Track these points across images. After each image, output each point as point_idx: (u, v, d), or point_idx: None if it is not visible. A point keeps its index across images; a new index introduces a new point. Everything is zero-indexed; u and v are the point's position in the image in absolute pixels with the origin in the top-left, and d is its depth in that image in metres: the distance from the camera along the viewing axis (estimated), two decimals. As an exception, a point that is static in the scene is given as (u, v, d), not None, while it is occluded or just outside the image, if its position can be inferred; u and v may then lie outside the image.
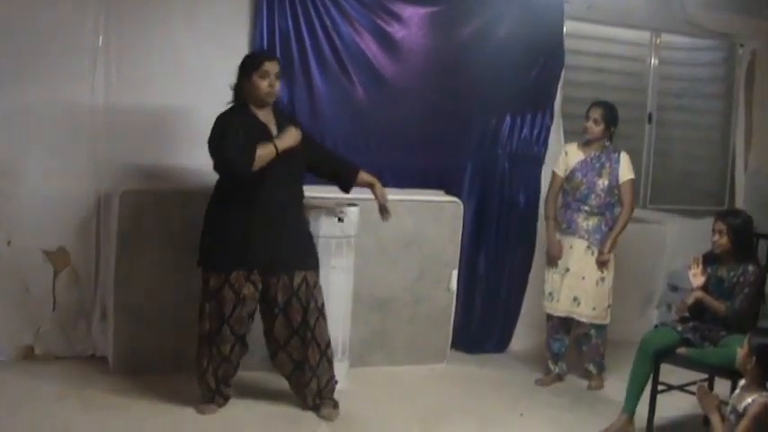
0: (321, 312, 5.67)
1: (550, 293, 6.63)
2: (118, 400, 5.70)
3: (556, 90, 7.50)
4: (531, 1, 7.32)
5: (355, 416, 5.79)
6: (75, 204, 6.35)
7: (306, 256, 5.65)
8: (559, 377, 6.79)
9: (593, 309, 6.52)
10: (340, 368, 6.16)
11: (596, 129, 6.50)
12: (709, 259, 5.81)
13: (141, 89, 6.38)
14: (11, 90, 6.10)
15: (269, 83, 5.43)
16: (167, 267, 6.07)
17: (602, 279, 6.51)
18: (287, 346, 5.65)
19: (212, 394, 5.66)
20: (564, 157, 6.67)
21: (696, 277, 5.74)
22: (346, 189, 5.93)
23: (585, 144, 6.61)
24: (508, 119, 7.32)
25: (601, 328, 6.64)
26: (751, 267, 5.66)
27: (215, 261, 5.50)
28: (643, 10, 7.98)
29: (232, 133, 5.27)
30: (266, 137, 5.39)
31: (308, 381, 5.69)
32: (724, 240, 5.68)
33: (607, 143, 6.59)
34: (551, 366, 6.80)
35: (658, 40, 8.28)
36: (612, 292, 6.61)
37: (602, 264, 6.48)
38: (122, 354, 6.15)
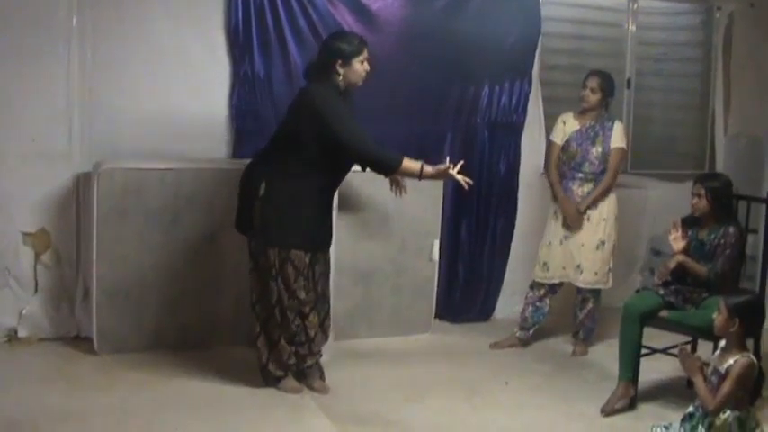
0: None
1: (545, 263, 6.65)
2: (103, 379, 5.70)
3: (533, 57, 7.48)
4: (507, -32, 7.28)
5: (341, 389, 5.80)
6: (54, 186, 6.33)
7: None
8: (520, 341, 6.83)
9: (595, 274, 6.56)
10: (324, 341, 6.19)
11: (593, 98, 6.54)
12: (690, 222, 5.82)
13: (117, 69, 6.34)
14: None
15: (365, 68, 5.49)
16: (148, 246, 6.06)
17: (603, 243, 6.55)
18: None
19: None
20: (561, 126, 6.69)
21: (677, 241, 5.75)
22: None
23: (581, 113, 6.63)
24: (486, 87, 7.30)
25: (597, 294, 6.68)
26: (732, 229, 5.66)
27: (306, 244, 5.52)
28: (619, -25, 7.99)
29: (359, 128, 5.39)
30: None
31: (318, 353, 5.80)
32: (703, 204, 5.69)
33: (603, 112, 6.61)
34: (516, 330, 6.84)
35: (635, 6, 8.25)
36: (613, 255, 6.67)
37: (571, 216, 6.53)
38: (106, 333, 6.13)
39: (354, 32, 5.87)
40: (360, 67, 5.45)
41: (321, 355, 5.82)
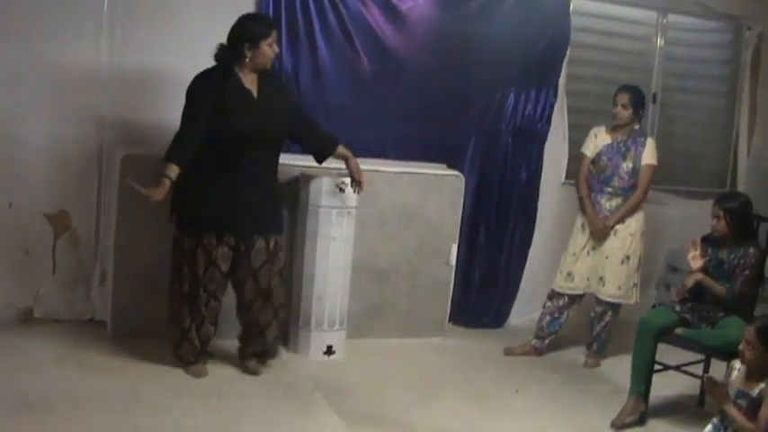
0: (281, 276, 5.79)
1: (569, 273, 6.65)
2: (116, 363, 5.72)
3: (561, 67, 7.49)
4: (538, -23, 7.29)
5: (351, 387, 5.81)
6: (76, 167, 6.35)
7: (279, 219, 5.79)
8: (535, 350, 6.82)
9: (619, 288, 6.55)
10: (337, 338, 6.22)
11: (624, 114, 6.53)
12: (710, 241, 5.80)
13: (145, 51, 6.35)
14: (14, 50, 6.08)
15: (274, 50, 5.47)
16: (167, 232, 6.02)
17: (628, 258, 6.54)
18: (251, 307, 5.73)
19: (197, 354, 5.72)
20: (593, 139, 6.69)
21: (695, 260, 5.73)
22: (320, 160, 5.94)
23: (614, 128, 6.62)
24: (512, 94, 7.30)
25: (617, 308, 6.66)
26: (751, 250, 5.64)
27: (191, 224, 5.57)
28: (650, -11, 7.97)
29: (200, 112, 5.37)
30: (248, 102, 5.44)
31: (255, 338, 5.81)
32: (722, 225, 5.67)
33: (635, 127, 6.62)
34: (531, 338, 6.84)
35: (665, 20, 8.22)
36: (640, 271, 6.66)
37: (598, 231, 6.52)
38: (121, 318, 6.17)
39: (265, 15, 5.86)
40: (268, 49, 5.43)
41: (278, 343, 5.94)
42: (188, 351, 5.70)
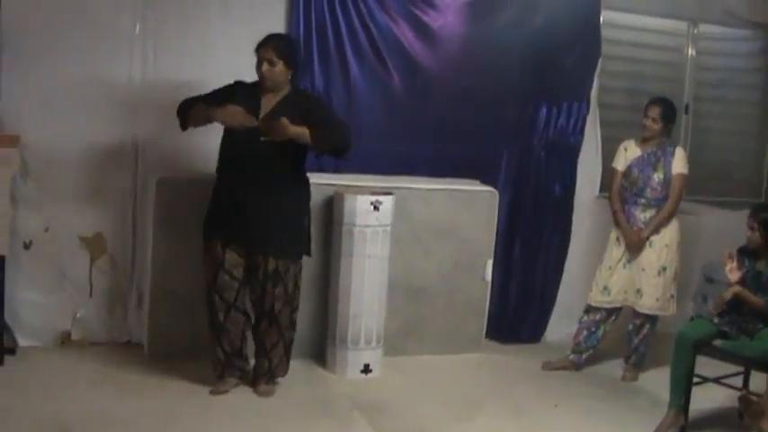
0: (289, 299, 5.67)
1: (606, 287, 6.62)
2: (153, 384, 5.74)
3: (592, 80, 7.48)
4: (568, -10, 7.28)
5: (388, 404, 5.80)
6: (112, 190, 6.40)
7: (286, 244, 5.61)
8: (573, 364, 6.79)
9: (657, 300, 6.51)
10: (374, 356, 6.22)
11: (655, 127, 6.52)
12: (746, 253, 5.76)
13: (177, 78, 6.34)
14: (47, 73, 6.13)
15: (263, 68, 5.48)
16: (202, 255, 6.09)
17: (664, 269, 6.51)
18: (258, 326, 5.74)
19: (222, 367, 5.73)
20: (623, 152, 6.68)
21: (732, 272, 5.68)
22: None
23: (644, 140, 6.61)
24: (544, 108, 7.30)
25: (655, 320, 6.63)
26: (789, 261, 5.62)
27: (203, 230, 5.67)
28: (680, 0, 7.91)
29: (212, 94, 5.53)
30: (250, 112, 5.45)
31: (260, 359, 5.78)
32: (756, 236, 5.64)
33: (664, 138, 6.59)
34: (569, 353, 6.81)
35: (696, 30, 8.20)
36: (676, 282, 6.63)
37: (634, 244, 6.50)
38: (157, 339, 6.19)
39: (266, 37, 5.66)
40: (258, 69, 5.51)
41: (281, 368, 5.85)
42: (214, 363, 5.75)
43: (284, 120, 5.27)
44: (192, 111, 5.50)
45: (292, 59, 5.56)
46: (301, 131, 5.32)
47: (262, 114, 5.48)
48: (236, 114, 5.37)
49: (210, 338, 5.71)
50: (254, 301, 5.69)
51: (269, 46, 5.49)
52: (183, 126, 5.60)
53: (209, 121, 5.45)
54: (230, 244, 5.55)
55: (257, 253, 5.55)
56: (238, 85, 5.61)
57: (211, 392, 5.65)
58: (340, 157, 5.73)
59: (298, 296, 5.74)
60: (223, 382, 5.72)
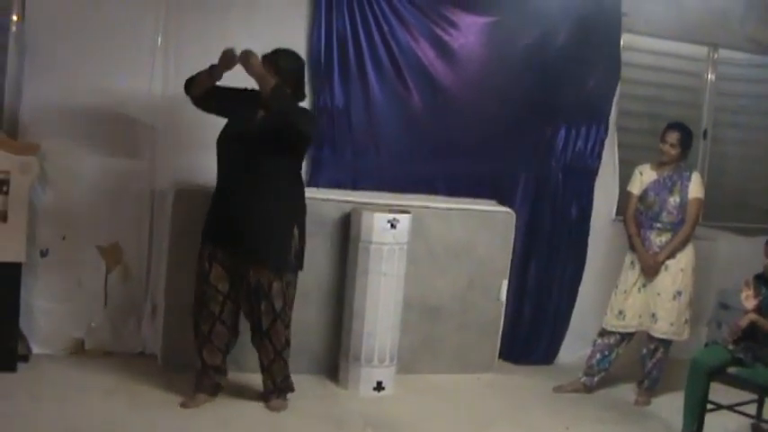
0: (278, 316, 5.57)
1: (621, 311, 6.60)
2: (166, 396, 5.73)
3: (611, 103, 7.48)
4: (588, 13, 7.29)
5: (401, 423, 5.80)
6: (129, 201, 6.42)
7: (265, 257, 5.51)
8: (585, 387, 6.77)
9: (671, 324, 6.50)
10: (387, 374, 6.20)
11: (672, 152, 6.52)
12: (763, 280, 5.75)
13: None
14: (68, 83, 6.18)
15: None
16: (219, 267, 6.12)
17: (679, 293, 6.49)
18: (253, 341, 5.72)
19: (201, 377, 5.71)
20: (639, 176, 6.68)
21: (749, 300, 5.67)
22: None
23: (660, 164, 6.61)
24: (563, 130, 7.31)
25: (668, 344, 6.61)
26: (806, 290, 5.60)
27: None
28: (701, 25, 7.89)
29: (227, 88, 5.59)
30: (243, 114, 5.50)
31: (264, 376, 5.74)
32: (772, 264, 5.65)
33: (681, 163, 6.59)
34: (581, 375, 6.80)
35: (716, 55, 8.19)
36: (691, 306, 6.62)
37: (649, 268, 6.49)
38: (171, 350, 6.20)
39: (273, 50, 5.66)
40: None
41: (287, 382, 5.81)
42: (195, 374, 5.75)
43: (255, 55, 5.34)
44: (198, 75, 5.54)
45: (291, 77, 5.54)
46: (265, 74, 5.34)
47: (255, 114, 5.51)
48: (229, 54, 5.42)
49: (196, 346, 5.70)
50: (245, 316, 5.67)
51: (270, 59, 5.49)
52: (187, 89, 5.61)
53: (211, 77, 5.47)
54: (217, 257, 5.54)
55: (240, 265, 5.52)
56: (246, 90, 5.60)
57: (180, 405, 5.63)
58: (288, 133, 5.39)
59: (289, 312, 5.66)
60: (194, 397, 5.68)
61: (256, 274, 5.48)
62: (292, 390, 5.82)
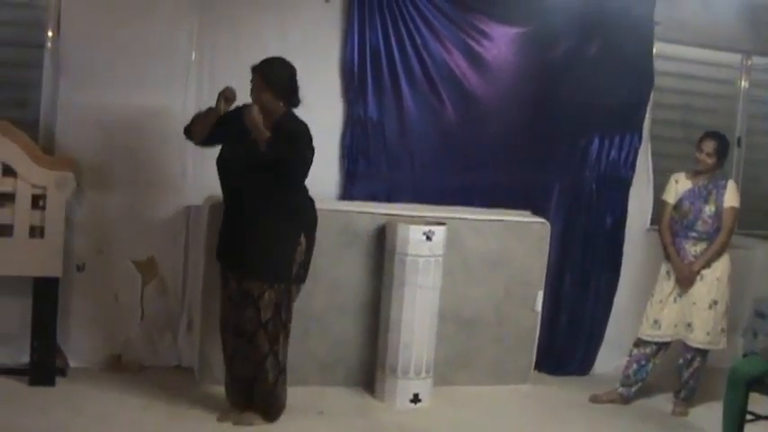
0: (263, 327, 5.42)
1: (656, 321, 6.57)
2: (203, 410, 5.74)
3: (645, 112, 7.46)
4: (621, 22, 7.27)
5: (439, 434, 5.79)
6: (165, 215, 6.46)
7: (256, 266, 5.42)
8: (622, 398, 6.74)
9: (707, 334, 6.45)
10: (424, 386, 6.19)
11: (709, 161, 6.49)
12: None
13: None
14: (103, 97, 6.22)
15: (252, 95, 5.42)
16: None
17: (715, 302, 6.45)
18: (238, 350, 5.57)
19: (227, 395, 5.72)
20: (674, 185, 6.64)
21: (786, 309, 5.65)
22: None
23: (695, 173, 6.58)
24: (596, 140, 7.30)
25: (705, 354, 6.57)
26: None
27: None
28: (734, 32, 7.87)
29: (220, 122, 5.50)
30: (237, 133, 5.38)
31: (246, 389, 5.61)
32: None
33: (716, 172, 6.57)
34: (618, 386, 6.76)
35: (749, 63, 8.15)
36: (727, 315, 6.56)
37: (684, 278, 6.45)
38: (207, 365, 6.20)
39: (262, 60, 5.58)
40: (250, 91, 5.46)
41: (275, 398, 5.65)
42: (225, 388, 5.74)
43: (256, 110, 5.26)
44: (195, 120, 5.56)
45: (282, 88, 5.44)
46: (262, 130, 5.25)
47: (251, 137, 5.35)
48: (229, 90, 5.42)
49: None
50: (233, 327, 5.54)
51: (258, 72, 5.42)
52: (187, 133, 5.60)
53: (208, 117, 5.45)
54: (229, 271, 5.52)
55: (243, 279, 5.42)
56: (239, 107, 5.50)
57: (217, 419, 5.63)
58: (282, 178, 5.36)
59: (279, 327, 5.48)
60: (226, 412, 5.67)
61: (248, 280, 5.39)
62: (270, 418, 5.63)
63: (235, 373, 5.60)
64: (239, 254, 5.43)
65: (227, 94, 5.40)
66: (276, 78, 5.42)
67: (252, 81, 5.40)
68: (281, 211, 5.39)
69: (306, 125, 5.44)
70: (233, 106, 5.41)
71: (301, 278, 5.59)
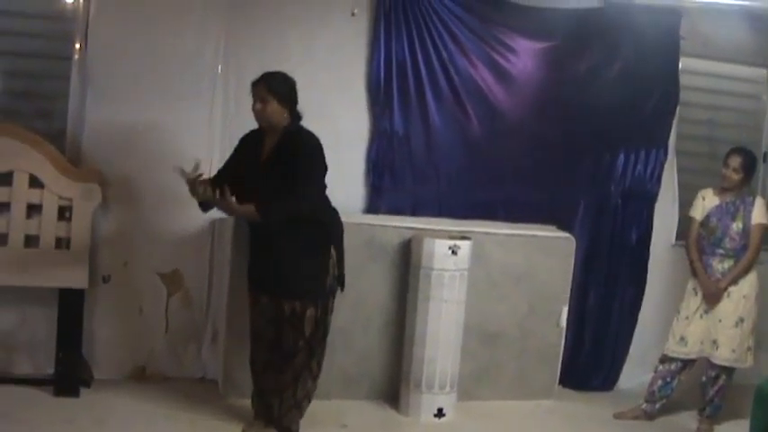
0: (308, 344, 5.43)
1: (682, 338, 6.54)
2: (227, 422, 5.76)
3: (671, 127, 7.43)
4: (646, 37, 7.25)
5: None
6: (190, 228, 6.47)
7: (295, 286, 5.37)
8: (646, 414, 6.70)
9: (733, 351, 6.40)
10: (448, 401, 6.18)
11: (735, 177, 6.45)
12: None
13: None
14: (130, 112, 6.26)
15: (255, 107, 5.34)
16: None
17: (742, 320, 6.40)
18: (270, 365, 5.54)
19: (254, 406, 5.71)
20: (701, 201, 6.62)
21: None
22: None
23: (722, 190, 6.55)
24: (622, 155, 7.28)
25: (731, 372, 6.52)
26: None
27: None
28: (759, 46, 7.83)
29: (225, 164, 5.61)
30: (250, 160, 5.38)
31: (271, 403, 5.57)
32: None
33: (744, 188, 6.54)
34: (642, 402, 6.73)
35: (775, 77, 8.13)
36: (754, 333, 6.51)
37: (711, 295, 6.41)
38: (232, 377, 6.20)
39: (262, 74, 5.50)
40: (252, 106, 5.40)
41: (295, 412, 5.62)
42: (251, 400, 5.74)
43: (228, 200, 5.11)
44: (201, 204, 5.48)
45: (286, 97, 5.38)
46: (245, 210, 5.16)
47: (263, 158, 5.35)
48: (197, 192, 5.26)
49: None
50: (269, 346, 5.51)
51: (261, 83, 5.35)
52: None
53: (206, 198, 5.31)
54: (263, 293, 5.48)
55: (282, 300, 5.38)
56: (244, 138, 5.54)
57: (242, 431, 5.64)
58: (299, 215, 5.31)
59: (318, 340, 5.50)
60: (250, 423, 5.67)
61: (290, 302, 5.36)
62: (295, 428, 5.63)
63: (263, 386, 5.58)
64: (274, 276, 5.39)
65: (186, 177, 5.26)
66: (280, 86, 5.37)
67: (254, 95, 5.33)
68: (308, 226, 5.33)
69: (315, 136, 5.37)
70: (198, 171, 5.25)
71: (335, 290, 5.55)
